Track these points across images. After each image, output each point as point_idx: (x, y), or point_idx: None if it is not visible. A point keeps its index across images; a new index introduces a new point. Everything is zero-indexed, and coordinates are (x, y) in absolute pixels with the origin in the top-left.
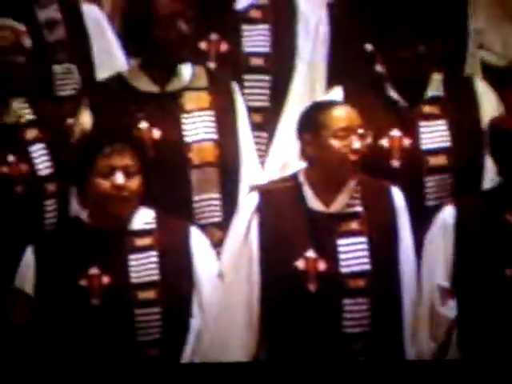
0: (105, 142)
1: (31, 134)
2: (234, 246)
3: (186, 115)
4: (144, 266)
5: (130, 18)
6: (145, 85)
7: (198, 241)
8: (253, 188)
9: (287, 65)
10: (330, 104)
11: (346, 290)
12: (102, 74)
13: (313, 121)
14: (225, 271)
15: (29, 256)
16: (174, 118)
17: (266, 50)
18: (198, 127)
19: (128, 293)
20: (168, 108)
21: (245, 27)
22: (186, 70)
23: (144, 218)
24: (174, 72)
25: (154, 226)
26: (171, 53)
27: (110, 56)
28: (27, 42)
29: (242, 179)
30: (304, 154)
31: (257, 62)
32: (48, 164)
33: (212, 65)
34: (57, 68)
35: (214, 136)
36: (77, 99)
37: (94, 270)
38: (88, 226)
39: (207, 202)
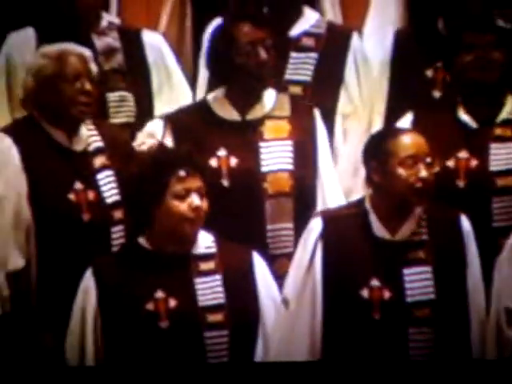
0: (180, 165)
1: (99, 161)
2: (298, 272)
3: (264, 144)
4: (210, 290)
5: (213, 46)
6: (227, 112)
7: (261, 266)
8: (317, 214)
9: (327, 95)
10: (398, 131)
11: (411, 319)
12: (161, 101)
13: (380, 148)
14: (289, 298)
15: (89, 279)
16: (252, 147)
17: (307, 78)
18: (275, 157)
19: (196, 316)
20: (247, 136)
21: (293, 54)
22: (270, 98)
23: (205, 242)
24: (257, 100)
25: (214, 249)
26: (252, 80)
27: (170, 84)
28: (94, 68)
29: (317, 210)
30: (370, 181)
31: (295, 90)
32: (115, 191)
33: None
34: (111, 96)
35: (290, 167)
36: (132, 127)
37: (159, 294)
38: (148, 249)
39: (281, 231)
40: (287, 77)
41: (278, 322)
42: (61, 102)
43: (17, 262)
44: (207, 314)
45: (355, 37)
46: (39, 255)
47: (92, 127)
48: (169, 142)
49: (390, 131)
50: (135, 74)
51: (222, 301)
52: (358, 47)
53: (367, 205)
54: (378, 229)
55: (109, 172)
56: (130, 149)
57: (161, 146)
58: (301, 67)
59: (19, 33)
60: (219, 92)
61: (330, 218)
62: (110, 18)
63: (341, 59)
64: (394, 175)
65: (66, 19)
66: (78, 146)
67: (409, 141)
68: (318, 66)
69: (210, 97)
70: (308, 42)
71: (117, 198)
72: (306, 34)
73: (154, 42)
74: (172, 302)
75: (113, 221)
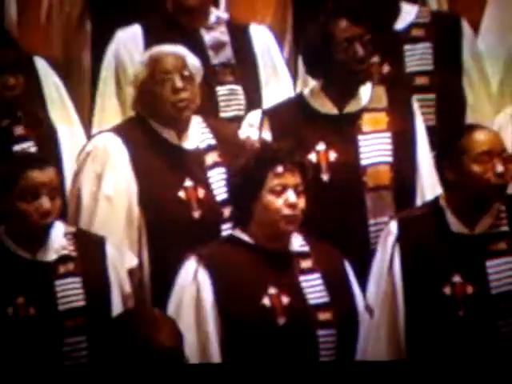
0: (279, 161)
1: (210, 158)
2: (379, 279)
3: (362, 137)
4: (314, 288)
5: (310, 42)
6: (324, 106)
7: (350, 267)
8: (392, 217)
9: (452, 82)
10: (471, 128)
11: (498, 312)
12: (268, 94)
13: (453, 146)
14: (372, 306)
15: (200, 272)
16: (351, 141)
17: (430, 68)
18: (374, 150)
19: (308, 314)
20: (345, 130)
21: (407, 47)
22: (366, 91)
23: (297, 240)
24: (354, 93)
25: (307, 248)
26: (350, 76)
27: (277, 78)
28: (192, 64)
29: (417, 201)
30: (445, 180)
31: (421, 80)
32: (226, 189)
33: None
34: (220, 90)
35: (390, 159)
36: (241, 121)
37: (272, 290)
38: (251, 243)
39: (382, 225)
40: (409, 69)
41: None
42: (158, 103)
43: (131, 260)
44: (317, 313)
45: (464, 22)
46: (151, 253)
47: (203, 124)
48: (267, 136)
49: (462, 128)
50: (244, 68)
51: (326, 299)
52: (469, 32)
53: (442, 203)
54: (455, 225)
55: (220, 169)
56: (240, 144)
57: (263, 140)
58: (420, 57)
59: (126, 30)
60: (315, 86)
61: (405, 219)
62: (218, 13)
63: (456, 45)
64: (469, 173)
65: (173, 15)
66: (189, 144)
67: (482, 137)
68: (436, 54)
69: (306, 91)
70: (418, 32)
71: (224, 196)
72: (414, 25)
73: (262, 36)
74: (284, 299)
75: (223, 218)
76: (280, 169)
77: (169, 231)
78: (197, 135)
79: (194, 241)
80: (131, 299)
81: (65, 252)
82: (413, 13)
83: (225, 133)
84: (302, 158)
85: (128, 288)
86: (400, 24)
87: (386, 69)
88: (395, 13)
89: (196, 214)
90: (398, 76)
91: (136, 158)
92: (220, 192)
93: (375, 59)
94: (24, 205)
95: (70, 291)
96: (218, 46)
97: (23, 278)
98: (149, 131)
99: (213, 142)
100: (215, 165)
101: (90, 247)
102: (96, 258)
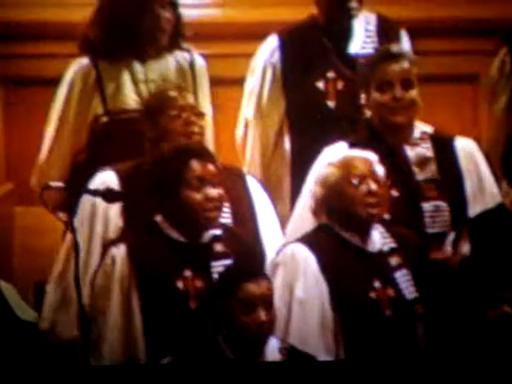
0: None
1: (395, 260)
2: None
3: None
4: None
5: None
6: None
7: None
8: None
9: None
10: None
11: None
12: (474, 210)
13: None
14: None
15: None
16: None
17: None
18: None
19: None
20: None
21: None
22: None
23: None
24: None
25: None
26: None
27: (482, 190)
28: (379, 170)
29: None
30: None
31: None
32: (412, 289)
33: None
34: (425, 206)
35: None
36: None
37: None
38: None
39: None
40: None
41: None
42: (350, 205)
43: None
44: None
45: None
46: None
47: (384, 229)
48: None
49: None
50: (449, 183)
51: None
52: None
53: None
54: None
55: (405, 271)
56: (419, 246)
57: None
58: None
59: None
60: None
61: None
62: (422, 127)
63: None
64: None
65: (378, 130)
66: (373, 247)
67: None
68: None
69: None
70: None
71: (415, 294)
72: None
73: (467, 149)
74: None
75: (416, 315)
76: None
77: (363, 331)
78: (379, 239)
79: (388, 338)
80: None
81: None
82: None
83: (406, 238)
84: None
85: None
86: None
87: None
88: None
89: (387, 313)
90: None
91: (324, 263)
92: (409, 292)
93: None
94: (243, 316)
95: None
96: (423, 162)
97: None
98: (333, 236)
99: (394, 245)
100: (400, 266)
101: None
102: None
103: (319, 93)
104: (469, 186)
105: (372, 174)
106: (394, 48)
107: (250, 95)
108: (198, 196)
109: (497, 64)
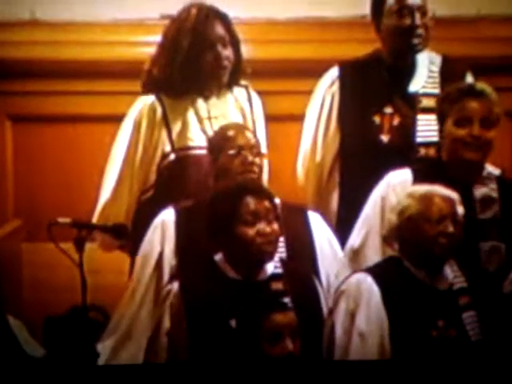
0: None
1: (463, 300)
2: None
3: None
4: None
5: None
6: None
7: None
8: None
9: None
10: None
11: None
12: None
13: None
14: None
15: None
16: None
17: None
18: None
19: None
20: None
21: None
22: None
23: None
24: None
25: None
26: None
27: None
28: (460, 211)
29: None
30: None
31: None
32: (478, 330)
33: None
34: (483, 245)
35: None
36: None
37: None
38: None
39: None
40: None
41: None
42: (423, 242)
43: None
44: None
45: None
46: None
47: (456, 267)
48: None
49: None
50: (509, 225)
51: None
52: None
53: None
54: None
55: (473, 312)
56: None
57: None
58: None
59: (398, 174)
60: None
61: None
62: (490, 168)
63: None
64: None
65: (446, 167)
66: (442, 285)
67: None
68: None
69: None
70: None
71: (480, 337)
72: None
73: None
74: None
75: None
76: None
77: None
78: (450, 277)
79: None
80: None
81: None
82: None
83: (479, 280)
84: None
85: None
86: None
87: None
88: None
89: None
90: None
91: (388, 296)
92: (474, 333)
93: None
94: (268, 347)
95: None
96: (487, 202)
97: None
98: (401, 270)
99: (465, 285)
100: (468, 306)
101: None
102: None
103: (375, 126)
104: None
105: (452, 215)
106: (478, 85)
107: (309, 123)
108: (250, 231)
109: None
